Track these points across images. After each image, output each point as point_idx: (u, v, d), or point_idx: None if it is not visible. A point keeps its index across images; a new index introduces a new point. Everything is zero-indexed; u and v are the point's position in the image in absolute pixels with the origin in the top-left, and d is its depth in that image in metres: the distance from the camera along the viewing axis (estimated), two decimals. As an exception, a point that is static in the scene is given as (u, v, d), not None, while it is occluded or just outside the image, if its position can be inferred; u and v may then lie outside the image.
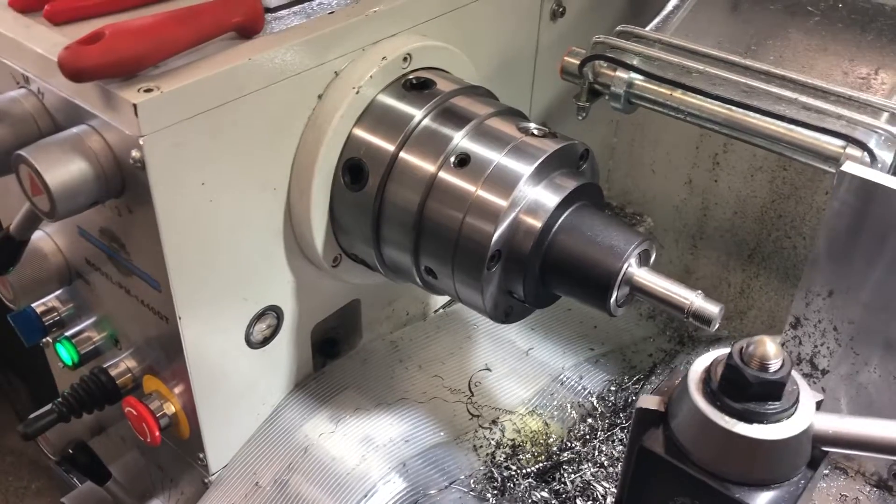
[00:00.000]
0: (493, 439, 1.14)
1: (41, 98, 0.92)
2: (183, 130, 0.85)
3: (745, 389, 0.65)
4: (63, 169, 0.83)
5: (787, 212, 1.40)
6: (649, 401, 0.71)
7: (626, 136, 1.55)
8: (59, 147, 0.85)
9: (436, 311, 1.35)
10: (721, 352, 0.68)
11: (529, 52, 1.27)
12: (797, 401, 0.66)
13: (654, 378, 1.25)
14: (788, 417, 0.65)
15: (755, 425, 0.65)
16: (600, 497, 1.04)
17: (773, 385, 0.64)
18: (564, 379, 1.25)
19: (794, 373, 0.66)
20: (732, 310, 1.51)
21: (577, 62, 1.11)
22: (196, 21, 0.87)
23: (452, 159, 0.96)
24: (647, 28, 1.12)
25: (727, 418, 0.65)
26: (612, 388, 1.23)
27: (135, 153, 0.83)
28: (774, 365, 0.64)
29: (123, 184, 0.88)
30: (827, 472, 1.00)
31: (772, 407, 0.65)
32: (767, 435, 0.64)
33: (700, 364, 0.69)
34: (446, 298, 1.35)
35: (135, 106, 0.80)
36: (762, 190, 1.42)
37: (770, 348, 0.64)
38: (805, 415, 0.66)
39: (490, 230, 0.91)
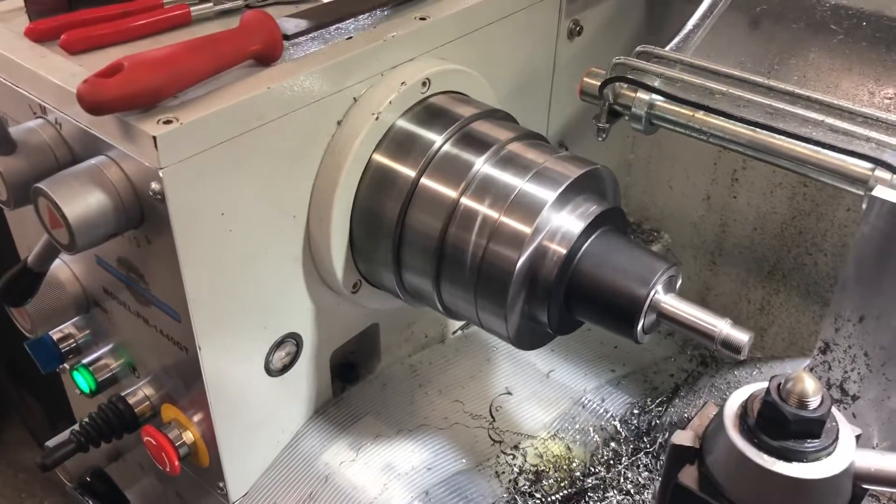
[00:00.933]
0: (515, 465, 1.13)
1: (58, 128, 0.91)
2: (202, 161, 0.84)
3: (784, 427, 0.63)
4: (82, 202, 0.83)
5: (807, 228, 1.38)
6: (683, 437, 0.69)
7: (643, 153, 1.53)
8: (77, 180, 0.84)
9: (454, 332, 1.33)
10: (757, 386, 0.67)
11: (546, 71, 1.26)
12: (837, 438, 0.64)
13: (676, 400, 1.23)
14: (828, 455, 0.64)
15: (794, 464, 0.63)
16: (627, 526, 1.03)
17: (813, 423, 0.63)
18: (586, 402, 1.23)
19: (833, 410, 0.64)
20: (753, 327, 1.49)
21: (597, 83, 1.10)
22: (214, 50, 0.86)
23: (474, 185, 0.95)
24: (667, 48, 1.11)
25: (765, 456, 0.64)
26: (635, 411, 1.22)
27: (154, 185, 0.82)
28: (814, 402, 0.63)
29: (142, 215, 0.87)
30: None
31: (811, 445, 0.64)
32: (807, 474, 0.63)
33: (736, 399, 0.67)
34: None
35: (154, 138, 0.79)
36: (782, 206, 1.40)
37: (809, 385, 0.63)
38: (845, 452, 0.64)
39: (514, 257, 0.90)
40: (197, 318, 0.91)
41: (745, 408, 0.66)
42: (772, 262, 1.46)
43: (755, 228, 1.45)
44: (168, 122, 0.81)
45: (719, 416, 0.67)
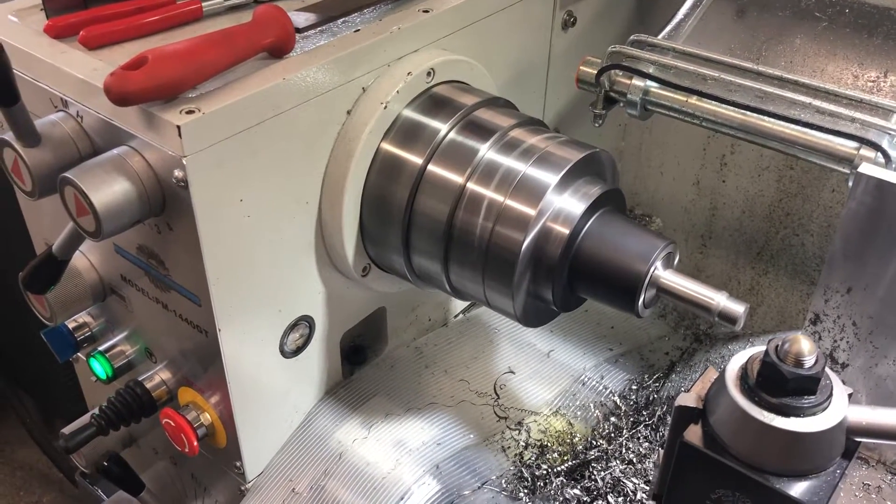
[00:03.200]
0: (520, 440, 1.17)
1: (80, 121, 0.94)
2: (223, 149, 0.88)
3: (782, 385, 0.68)
4: (108, 190, 0.86)
5: (794, 210, 1.43)
6: (687, 398, 0.74)
7: (635, 140, 1.58)
8: (102, 168, 0.87)
9: (456, 316, 1.38)
10: (756, 349, 0.72)
11: (542, 61, 1.30)
12: (831, 394, 0.69)
13: (673, 375, 1.28)
14: (823, 410, 0.69)
15: (792, 419, 0.68)
16: (630, 493, 1.07)
17: (809, 380, 0.68)
18: (586, 379, 1.28)
19: (827, 368, 0.69)
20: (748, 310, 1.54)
21: (594, 71, 1.14)
22: (231, 43, 0.90)
23: (480, 170, 0.99)
24: (660, 36, 1.15)
25: (765, 413, 0.68)
26: (634, 387, 1.27)
27: (178, 173, 0.85)
28: (809, 361, 0.68)
29: (164, 202, 0.90)
30: (849, 462, 1.03)
31: (807, 401, 0.68)
32: (804, 428, 0.68)
33: (736, 362, 0.72)
34: (466, 304, 1.38)
35: (178, 127, 0.83)
36: (769, 189, 1.45)
37: (805, 345, 0.68)
38: (839, 408, 0.69)
39: (520, 238, 0.94)
40: (217, 302, 0.94)
41: (745, 369, 0.71)
42: (760, 244, 1.51)
43: (744, 211, 1.50)
44: (190, 111, 0.84)
45: (721, 377, 0.72)
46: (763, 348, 0.71)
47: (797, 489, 0.69)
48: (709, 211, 1.55)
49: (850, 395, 0.72)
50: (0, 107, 0.84)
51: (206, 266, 0.91)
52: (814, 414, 0.68)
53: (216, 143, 0.87)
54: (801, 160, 1.07)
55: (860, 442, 0.70)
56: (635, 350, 1.37)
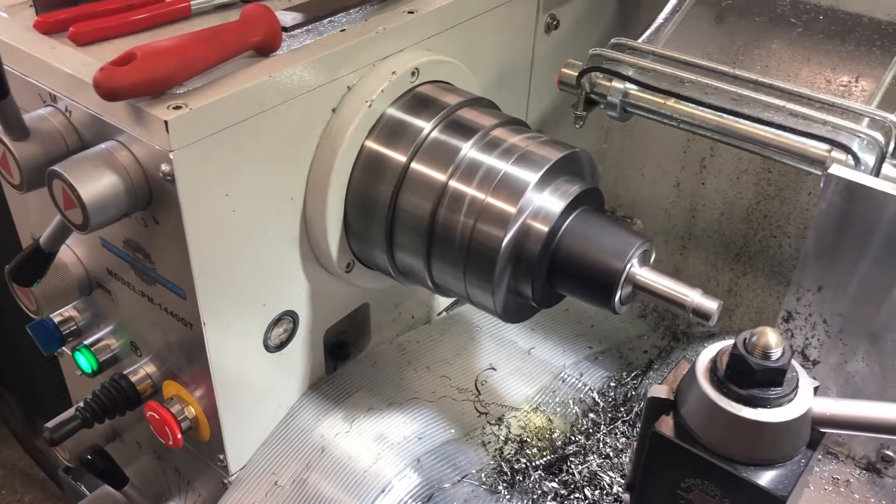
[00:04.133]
0: (500, 435, 1.19)
1: (68, 116, 0.96)
2: (209, 145, 0.89)
3: (750, 377, 0.70)
4: (96, 183, 0.88)
5: (772, 212, 1.46)
6: (659, 390, 0.76)
7: (616, 142, 1.60)
8: (90, 162, 0.89)
9: (439, 313, 1.40)
10: (725, 343, 0.74)
11: (525, 63, 1.33)
12: (797, 386, 0.71)
13: (651, 373, 1.30)
14: (790, 402, 0.71)
15: (759, 409, 0.70)
16: (607, 486, 1.10)
17: (775, 372, 0.70)
18: (565, 376, 1.30)
19: (793, 361, 0.71)
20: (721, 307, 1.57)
21: (575, 73, 1.17)
22: (219, 41, 0.92)
23: (462, 169, 1.01)
24: (640, 40, 1.18)
25: (733, 404, 0.71)
26: (612, 384, 1.29)
27: (164, 167, 0.87)
28: (776, 353, 0.70)
29: (151, 196, 0.92)
30: (820, 457, 1.06)
31: (774, 392, 0.71)
32: (771, 418, 0.70)
33: (706, 354, 0.74)
34: (449, 301, 1.40)
35: (166, 123, 0.84)
36: (748, 191, 1.48)
37: (772, 338, 0.70)
38: (804, 399, 0.71)
39: (500, 235, 0.97)
40: (202, 295, 0.96)
41: (714, 362, 0.73)
42: (739, 245, 1.54)
43: (723, 213, 1.53)
44: (178, 107, 0.86)
45: (692, 370, 0.74)
46: (732, 341, 0.73)
47: (764, 477, 0.71)
48: (688, 213, 1.58)
49: (816, 388, 0.74)
50: (-10, 101, 0.86)
51: (191, 260, 0.93)
52: (780, 405, 0.71)
53: (203, 138, 0.88)
54: (778, 163, 1.10)
55: (825, 433, 0.73)
56: (614, 348, 1.39)
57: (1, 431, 2.45)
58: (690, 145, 1.51)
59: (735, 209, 1.51)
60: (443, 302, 1.39)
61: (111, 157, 0.89)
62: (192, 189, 0.89)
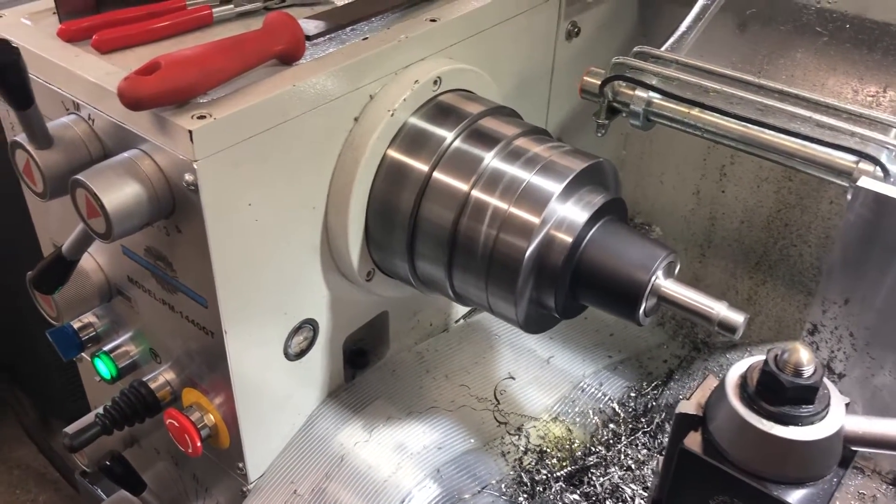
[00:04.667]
0: (520, 445, 1.19)
1: (91, 124, 0.96)
2: (233, 154, 0.89)
3: (781, 394, 0.69)
4: (119, 192, 0.87)
5: (792, 220, 1.45)
6: (688, 405, 0.75)
7: (636, 149, 1.59)
8: (114, 171, 0.89)
9: (457, 321, 1.39)
10: (755, 359, 0.73)
11: (546, 70, 1.32)
12: (829, 404, 0.71)
13: (672, 383, 1.29)
14: (821, 420, 0.70)
15: (791, 427, 0.69)
16: (629, 499, 1.09)
17: (807, 390, 0.69)
18: (585, 386, 1.29)
19: (824, 378, 0.71)
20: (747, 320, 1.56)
21: (597, 82, 1.16)
22: (242, 50, 0.92)
23: (485, 178, 1.01)
24: (662, 49, 1.17)
25: (764, 421, 0.70)
26: (632, 395, 1.28)
27: (188, 176, 0.87)
28: (808, 371, 0.69)
29: (174, 205, 0.92)
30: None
31: (805, 410, 0.70)
32: (802, 436, 0.69)
33: (736, 370, 0.73)
34: (466, 309, 1.39)
35: (190, 132, 0.84)
36: (768, 200, 1.47)
37: (804, 355, 0.69)
38: (836, 417, 0.70)
39: (524, 246, 0.96)
40: (224, 304, 0.96)
41: (744, 378, 0.72)
42: (759, 254, 1.53)
43: (743, 221, 1.52)
44: (202, 117, 0.86)
45: (721, 385, 0.73)
46: (762, 357, 0.72)
47: (794, 496, 0.70)
48: (708, 221, 1.57)
49: (847, 405, 0.73)
50: (15, 110, 0.86)
51: (213, 268, 0.93)
52: (812, 423, 0.70)
53: (226, 147, 0.88)
54: (800, 172, 1.09)
55: (857, 451, 0.72)
56: (634, 357, 1.38)
57: (16, 432, 2.47)
58: (711, 153, 1.50)
59: (755, 217, 1.50)
60: (461, 310, 1.39)
61: (134, 166, 0.89)
62: (215, 198, 0.89)
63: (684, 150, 1.54)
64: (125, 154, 0.91)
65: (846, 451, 0.72)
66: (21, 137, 0.91)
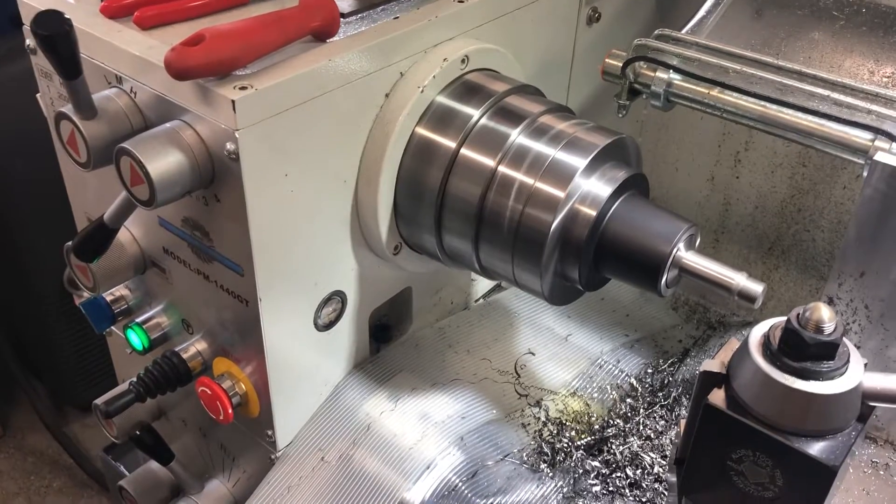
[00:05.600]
0: (539, 417, 1.22)
1: (133, 96, 0.99)
2: (272, 125, 0.92)
3: (803, 350, 0.72)
4: (163, 160, 0.91)
5: (806, 206, 1.48)
6: (712, 364, 0.78)
7: (651, 136, 1.62)
8: (157, 140, 0.92)
9: (477, 300, 1.42)
10: (777, 320, 0.76)
11: (567, 54, 1.35)
12: (848, 361, 0.74)
13: (688, 360, 1.32)
14: (841, 375, 0.73)
15: (812, 382, 0.72)
16: (648, 465, 1.12)
17: (828, 346, 0.72)
18: (602, 363, 1.33)
19: (844, 338, 0.74)
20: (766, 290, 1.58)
21: (619, 63, 1.19)
22: (282, 25, 0.95)
23: (511, 154, 1.04)
24: (682, 32, 1.20)
25: (787, 376, 0.73)
26: (649, 371, 1.31)
27: (230, 146, 0.90)
28: (829, 328, 0.72)
29: (213, 175, 0.95)
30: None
31: (826, 366, 0.73)
32: (823, 390, 0.72)
33: (759, 330, 0.76)
34: (486, 288, 1.43)
35: (233, 102, 0.88)
36: (782, 185, 1.49)
37: (825, 313, 0.72)
38: (855, 373, 0.73)
39: (549, 219, 0.99)
40: (260, 272, 0.99)
41: (767, 336, 0.75)
42: (772, 239, 1.55)
43: (756, 207, 1.55)
44: (244, 87, 0.89)
45: (745, 344, 0.76)
46: (783, 319, 0.75)
47: (815, 448, 0.73)
48: (722, 206, 1.60)
49: (865, 365, 0.76)
50: (64, 79, 0.89)
51: (251, 237, 0.96)
52: (832, 378, 0.73)
53: (266, 118, 0.91)
54: (815, 155, 1.12)
55: (874, 406, 0.75)
56: (650, 337, 1.41)
57: (30, 419, 2.50)
58: (725, 139, 1.53)
59: (769, 203, 1.53)
60: (481, 289, 1.42)
61: (177, 136, 0.93)
62: (254, 168, 0.92)
63: (699, 136, 1.57)
64: (167, 124, 0.94)
65: (864, 406, 0.75)
66: (67, 108, 0.95)
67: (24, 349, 2.39)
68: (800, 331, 0.72)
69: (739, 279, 0.95)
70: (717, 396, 0.77)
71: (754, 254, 1.59)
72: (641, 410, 1.22)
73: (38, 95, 1.17)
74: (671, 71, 1.16)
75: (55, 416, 2.44)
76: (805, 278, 1.53)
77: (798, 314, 0.74)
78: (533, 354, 1.32)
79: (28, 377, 2.38)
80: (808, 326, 0.72)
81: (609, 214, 1.01)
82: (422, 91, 1.05)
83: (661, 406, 1.22)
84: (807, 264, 1.52)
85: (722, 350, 0.81)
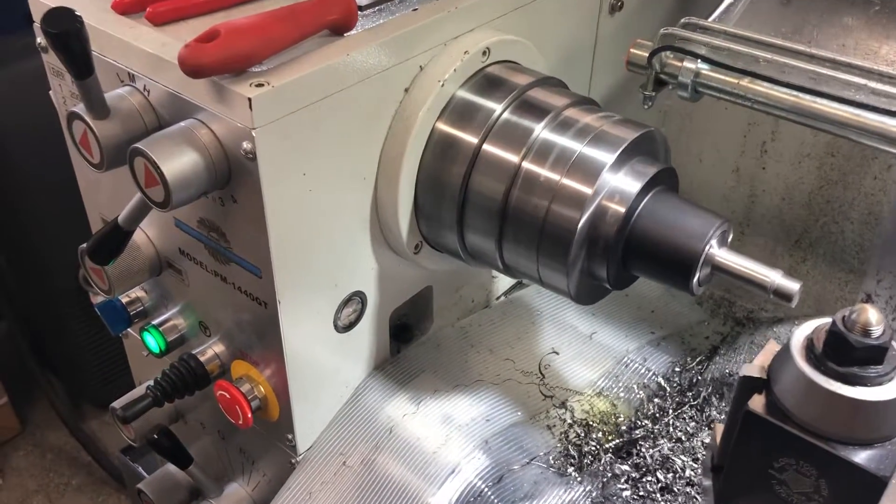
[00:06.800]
0: (565, 419, 1.19)
1: (146, 95, 0.96)
2: (289, 123, 0.90)
3: (849, 354, 0.69)
4: (178, 161, 0.88)
5: (834, 197, 1.44)
6: (751, 369, 0.75)
7: (675, 127, 1.59)
8: (172, 140, 0.89)
9: (498, 298, 1.39)
10: (821, 321, 0.73)
11: (589, 44, 1.32)
12: (897, 365, 0.70)
13: (717, 357, 1.29)
14: (890, 380, 0.70)
15: (858, 388, 0.69)
16: (679, 469, 1.09)
17: (876, 350, 0.69)
18: (629, 361, 1.29)
19: (893, 341, 0.70)
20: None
21: (644, 54, 1.15)
22: (298, 19, 0.92)
23: (535, 150, 1.01)
24: (710, 20, 1.16)
25: (832, 381, 0.70)
26: (677, 369, 1.28)
27: (246, 145, 0.87)
28: (877, 331, 0.69)
29: (230, 175, 0.92)
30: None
31: (874, 370, 0.69)
32: (870, 396, 0.69)
33: (801, 332, 0.73)
34: (508, 285, 1.40)
35: (249, 100, 0.85)
36: (810, 176, 1.45)
37: (872, 315, 0.69)
38: (905, 378, 0.70)
39: (576, 217, 0.96)
40: (279, 274, 0.96)
41: (811, 339, 0.72)
42: (799, 231, 1.52)
43: (783, 198, 1.51)
44: (260, 84, 0.86)
45: (786, 348, 0.73)
46: (828, 320, 0.72)
47: (862, 457, 0.70)
48: (748, 198, 1.56)
49: (913, 368, 0.73)
50: (75, 78, 0.87)
51: (269, 238, 0.93)
52: (880, 383, 0.69)
53: (284, 116, 0.88)
54: (844, 145, 1.08)
55: (924, 412, 0.72)
56: (676, 334, 1.38)
57: (49, 416, 2.51)
58: (751, 130, 1.49)
59: (796, 194, 1.49)
60: (502, 286, 1.39)
61: (192, 135, 0.90)
62: (272, 167, 0.90)
63: (724, 127, 1.53)
64: (182, 123, 0.91)
65: (914, 413, 0.72)
66: (79, 108, 0.92)
67: (41, 346, 2.39)
68: (846, 334, 0.69)
69: (775, 277, 0.92)
70: (758, 402, 0.74)
71: (781, 246, 1.55)
72: (670, 411, 1.19)
73: (50, 93, 1.15)
74: (699, 61, 1.12)
75: (73, 414, 2.45)
76: (834, 272, 1.49)
77: (844, 316, 0.70)
78: (557, 354, 1.29)
79: (46, 374, 2.38)
80: (854, 329, 0.69)
81: (638, 211, 0.97)
82: (442, 85, 1.02)
83: (691, 406, 1.19)
84: (835, 257, 1.48)
85: (761, 353, 0.77)
